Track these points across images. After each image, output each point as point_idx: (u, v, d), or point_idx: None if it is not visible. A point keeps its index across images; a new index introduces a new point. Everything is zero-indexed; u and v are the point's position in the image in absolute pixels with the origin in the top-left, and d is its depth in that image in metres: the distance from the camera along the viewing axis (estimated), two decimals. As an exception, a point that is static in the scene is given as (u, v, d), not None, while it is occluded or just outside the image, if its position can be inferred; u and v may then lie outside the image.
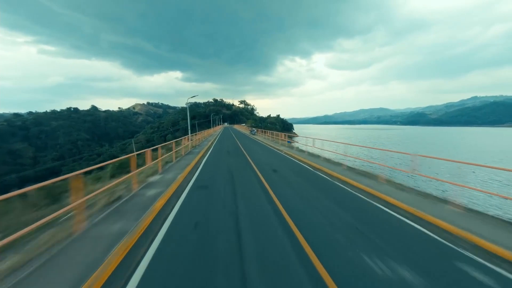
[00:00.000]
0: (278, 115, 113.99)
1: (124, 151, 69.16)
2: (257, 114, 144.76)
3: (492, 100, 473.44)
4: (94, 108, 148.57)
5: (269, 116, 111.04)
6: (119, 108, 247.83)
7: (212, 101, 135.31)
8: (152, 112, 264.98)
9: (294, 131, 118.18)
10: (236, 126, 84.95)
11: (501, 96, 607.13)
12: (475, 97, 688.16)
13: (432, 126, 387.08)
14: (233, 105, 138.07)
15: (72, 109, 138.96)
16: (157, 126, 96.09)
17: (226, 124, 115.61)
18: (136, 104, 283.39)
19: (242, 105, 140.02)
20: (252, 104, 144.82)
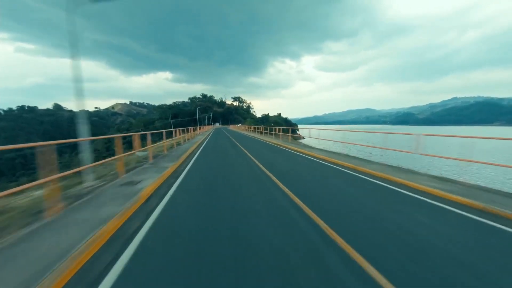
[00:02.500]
0: (279, 114, 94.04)
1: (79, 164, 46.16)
2: (254, 113, 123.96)
3: (472, 101, 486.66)
4: (57, 106, 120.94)
5: (267, 116, 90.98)
6: (96, 108, 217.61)
7: (200, 96, 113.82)
8: (135, 112, 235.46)
9: (298, 132, 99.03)
10: (232, 127, 64.25)
11: (479, 96, 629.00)
12: (455, 98, 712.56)
13: (422, 126, 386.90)
14: (225, 102, 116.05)
15: (26, 108, 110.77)
16: (127, 128, 72.98)
17: (217, 124, 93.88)
18: (117, 104, 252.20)
19: (236, 103, 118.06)
20: (248, 101, 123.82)
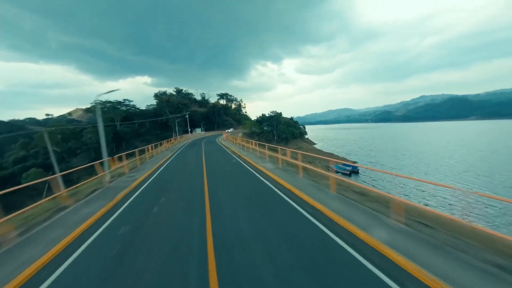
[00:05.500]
0: (280, 113, 64.66)
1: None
2: (245, 114, 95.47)
3: (439, 99, 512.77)
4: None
5: (271, 116, 63.43)
6: (46, 115, 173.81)
7: (174, 92, 77.95)
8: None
9: (307, 136, 72.98)
10: (225, 137, 34.25)
11: (444, 94, 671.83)
12: (424, 96, 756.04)
13: (403, 122, 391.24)
14: (208, 100, 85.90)
15: None
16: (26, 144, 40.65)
17: (198, 131, 63.79)
18: (76, 109, 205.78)
19: (223, 101, 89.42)
20: (239, 99, 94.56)
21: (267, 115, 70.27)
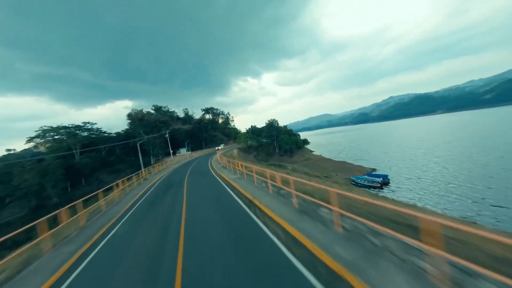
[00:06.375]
0: (274, 120, 60.53)
1: None
2: (235, 127, 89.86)
3: (406, 98, 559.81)
4: None
5: (262, 128, 58.49)
6: (7, 150, 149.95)
7: (153, 110, 68.01)
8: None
9: (307, 146, 68.76)
10: (220, 158, 25.16)
11: (409, 94, 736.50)
12: (392, 97, 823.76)
13: (380, 122, 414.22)
14: (192, 116, 78.81)
15: None
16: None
17: (183, 151, 55.92)
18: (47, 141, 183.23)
19: (209, 116, 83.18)
20: (226, 112, 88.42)
21: (258, 126, 65.43)
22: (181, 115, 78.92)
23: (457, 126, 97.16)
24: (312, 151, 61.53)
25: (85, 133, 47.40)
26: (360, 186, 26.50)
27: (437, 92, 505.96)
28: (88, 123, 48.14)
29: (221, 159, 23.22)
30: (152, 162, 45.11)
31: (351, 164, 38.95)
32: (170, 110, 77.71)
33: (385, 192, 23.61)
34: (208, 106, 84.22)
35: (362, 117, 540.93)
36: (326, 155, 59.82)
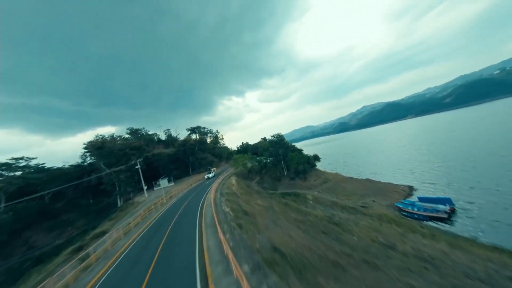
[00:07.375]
0: (280, 136, 51.57)
1: None
2: (224, 145, 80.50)
3: (378, 106, 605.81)
4: None
5: (272, 140, 50.52)
6: None
7: (128, 134, 56.00)
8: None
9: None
10: (214, 196, 18.59)
11: (380, 102, 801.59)
12: (365, 106, 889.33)
13: (358, 130, 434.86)
14: (177, 138, 68.33)
15: None
16: None
17: (164, 183, 34.35)
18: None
19: (195, 136, 72.11)
20: (214, 130, 79.35)
21: (250, 143, 57.23)
22: (164, 137, 68.39)
23: (444, 126, 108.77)
24: (322, 170, 54.24)
25: (19, 172, 33.60)
26: (416, 218, 18.87)
27: (403, 99, 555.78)
28: (22, 158, 34.59)
29: (225, 205, 14.47)
30: (119, 204, 33.50)
31: (379, 182, 31.84)
32: (150, 133, 66.68)
33: (469, 228, 16.10)
34: (194, 126, 74.53)
35: (342, 126, 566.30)
36: (332, 169, 52.62)
